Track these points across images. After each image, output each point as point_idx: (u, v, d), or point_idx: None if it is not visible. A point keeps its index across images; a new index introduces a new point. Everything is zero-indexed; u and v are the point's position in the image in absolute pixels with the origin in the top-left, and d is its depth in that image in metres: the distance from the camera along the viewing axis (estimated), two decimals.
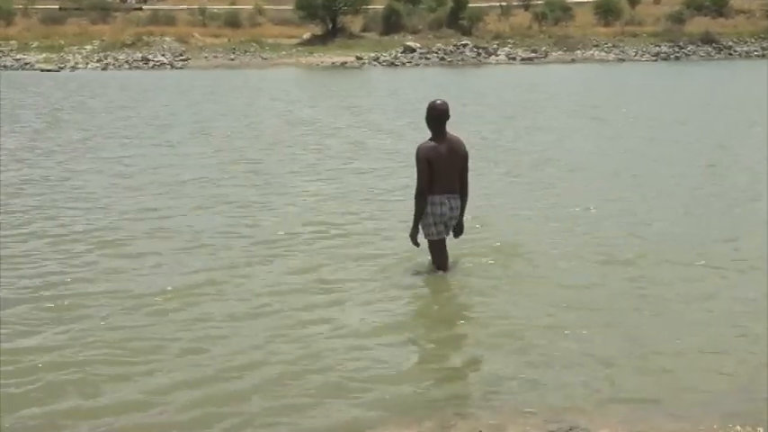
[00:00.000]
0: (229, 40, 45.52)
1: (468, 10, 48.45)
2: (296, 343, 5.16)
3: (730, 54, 45.05)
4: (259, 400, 4.44)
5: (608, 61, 42.58)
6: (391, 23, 48.08)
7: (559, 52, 44.63)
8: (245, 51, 43.88)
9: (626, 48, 45.25)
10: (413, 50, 43.48)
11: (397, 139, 13.99)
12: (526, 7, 51.71)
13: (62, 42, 44.43)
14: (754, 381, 4.62)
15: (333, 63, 41.14)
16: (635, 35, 47.33)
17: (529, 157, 12.37)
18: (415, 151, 6.29)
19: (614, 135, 14.86)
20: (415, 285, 6.32)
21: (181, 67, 40.01)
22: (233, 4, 52.90)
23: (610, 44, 45.87)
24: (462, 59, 42.82)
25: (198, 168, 11.53)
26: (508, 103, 20.93)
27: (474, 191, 9.26)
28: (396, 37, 46.75)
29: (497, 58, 43.53)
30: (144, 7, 53.35)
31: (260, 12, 51.52)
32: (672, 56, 44.17)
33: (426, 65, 41.31)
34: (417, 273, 6.50)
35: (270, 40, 46.00)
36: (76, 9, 50.79)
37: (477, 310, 5.84)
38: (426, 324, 5.67)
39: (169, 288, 6.16)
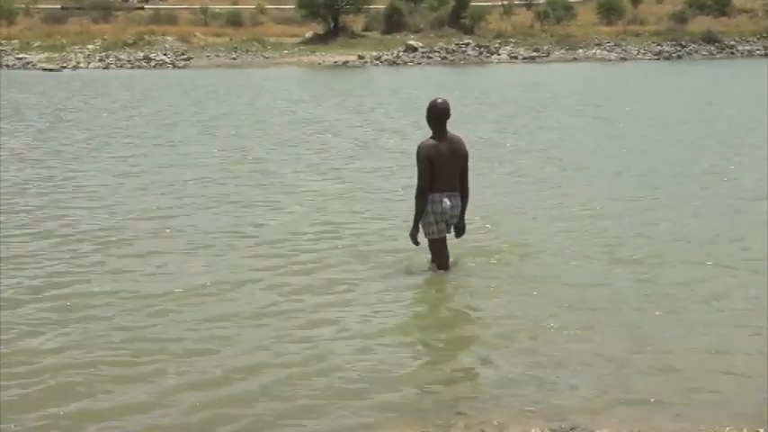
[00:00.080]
0: (231, 40, 45.54)
1: (470, 9, 48.46)
2: (301, 344, 5.15)
3: (732, 53, 45.00)
4: (265, 402, 4.42)
5: (610, 60, 42.55)
6: (393, 22, 48.08)
7: (561, 51, 44.60)
8: (247, 50, 43.89)
9: (628, 47, 45.21)
10: (415, 49, 43.48)
11: (401, 139, 13.99)
12: (528, 6, 51.69)
13: (64, 42, 44.46)
14: (761, 381, 4.60)
15: (335, 62, 41.14)
16: (637, 34, 47.30)
17: (533, 156, 12.36)
18: (415, 150, 6.30)
19: (618, 134, 14.84)
20: (418, 285, 6.33)
21: (183, 67, 40.03)
22: (235, 3, 52.92)
23: (612, 43, 45.83)
24: (464, 58, 42.80)
25: (202, 168, 11.53)
26: (511, 103, 20.92)
27: (478, 190, 9.27)
28: (398, 36, 46.76)
29: (499, 57, 43.51)
30: (146, 6, 53.38)
31: (262, 11, 51.53)
32: (674, 55, 44.12)
33: (428, 64, 41.31)
34: (419, 273, 6.50)
35: (272, 40, 46.01)
36: (78, 8, 50.84)
37: (479, 311, 5.83)
38: (428, 324, 5.66)
39: (174, 289, 6.15)
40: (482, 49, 44.03)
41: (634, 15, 50.05)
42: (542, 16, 48.76)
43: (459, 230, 6.59)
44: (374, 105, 20.74)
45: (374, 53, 42.82)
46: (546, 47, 44.95)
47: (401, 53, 43.09)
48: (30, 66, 39.24)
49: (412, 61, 41.86)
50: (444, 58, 42.77)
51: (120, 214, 8.65)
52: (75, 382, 4.64)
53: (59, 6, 51.24)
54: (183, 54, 42.33)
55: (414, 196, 6.32)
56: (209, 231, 7.88)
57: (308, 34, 47.28)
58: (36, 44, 44.09)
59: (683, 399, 4.45)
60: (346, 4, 47.40)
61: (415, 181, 6.34)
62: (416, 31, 47.58)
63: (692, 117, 17.52)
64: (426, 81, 28.95)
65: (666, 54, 44.21)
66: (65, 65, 39.27)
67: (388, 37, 46.96)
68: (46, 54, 41.89)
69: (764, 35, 47.13)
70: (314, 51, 43.89)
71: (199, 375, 4.72)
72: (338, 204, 9.09)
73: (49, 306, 5.82)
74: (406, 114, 17.78)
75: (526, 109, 19.31)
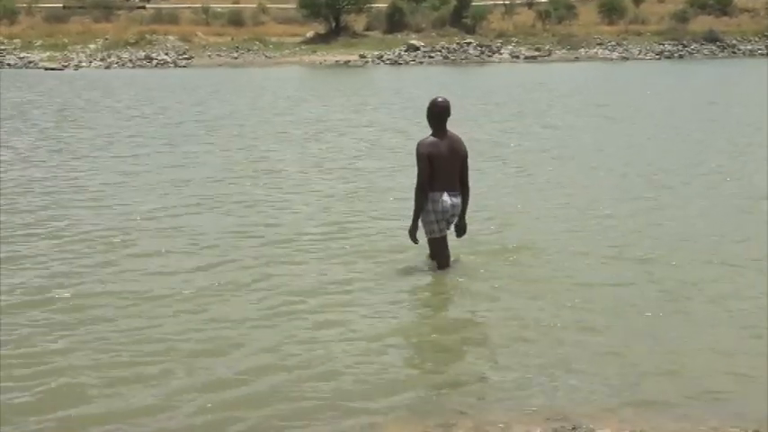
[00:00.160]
0: (232, 39, 45.54)
1: (472, 8, 48.46)
2: (306, 345, 5.14)
3: (734, 52, 44.97)
4: (271, 404, 4.40)
5: (612, 60, 42.53)
6: (395, 22, 48.08)
7: (563, 51, 44.58)
8: (249, 50, 43.89)
9: (630, 46, 45.18)
10: (416, 49, 43.46)
11: (404, 138, 13.95)
12: (530, 5, 51.64)
13: (66, 41, 44.46)
14: (763, 381, 4.60)
15: (336, 61, 41.13)
16: (639, 34, 47.27)
17: (537, 156, 12.35)
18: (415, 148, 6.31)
19: (622, 134, 14.83)
20: (423, 286, 6.32)
21: (184, 66, 40.03)
22: (236, 2, 52.90)
23: (614, 43, 45.80)
24: (466, 58, 42.79)
25: (205, 167, 11.53)
26: (514, 102, 20.91)
27: (482, 190, 9.29)
28: (399, 35, 46.76)
29: (501, 56, 43.49)
30: (147, 6, 53.35)
31: (263, 10, 51.50)
32: (676, 54, 44.10)
33: (430, 63, 41.30)
34: (424, 273, 6.50)
35: (273, 39, 46.00)
36: (80, 8, 50.83)
37: (482, 311, 5.82)
38: (432, 325, 5.65)
39: (179, 290, 6.14)
40: (484, 49, 44.01)
41: (636, 15, 50.02)
42: (544, 16, 48.75)
43: (460, 230, 6.59)
44: (376, 105, 20.73)
45: (376, 53, 42.81)
46: (547, 46, 44.92)
47: (403, 53, 43.07)
48: (32, 65, 39.24)
49: (413, 61, 41.85)
50: (446, 57, 42.75)
51: (125, 214, 8.63)
52: (80, 384, 4.62)
53: (61, 5, 51.23)
54: (184, 53, 42.33)
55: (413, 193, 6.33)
56: (213, 231, 7.86)
57: (310, 34, 47.27)
58: (38, 43, 44.09)
59: (686, 399, 4.46)
60: (348, 4, 47.36)
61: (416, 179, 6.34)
62: (418, 30, 47.58)
63: (695, 116, 17.52)
64: (428, 80, 28.94)
65: (668, 53, 44.19)
66: (66, 64, 39.27)
67: (389, 36, 46.95)
68: (48, 53, 41.89)
69: (766, 34, 47.07)
70: (315, 51, 43.87)
71: (205, 377, 4.71)
72: (343, 204, 9.08)
73: (54, 307, 5.81)
74: (408, 114, 17.76)
75: (529, 108, 19.30)
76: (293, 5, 49.51)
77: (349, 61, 41.24)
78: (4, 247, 7.34)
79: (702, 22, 47.95)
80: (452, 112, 6.44)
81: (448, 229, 6.46)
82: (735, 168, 11.15)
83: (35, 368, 4.82)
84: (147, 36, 44.90)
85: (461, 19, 47.93)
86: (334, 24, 47.78)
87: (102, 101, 22.22)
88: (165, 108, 20.06)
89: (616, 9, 49.40)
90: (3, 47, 42.64)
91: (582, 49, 44.71)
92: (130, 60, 40.95)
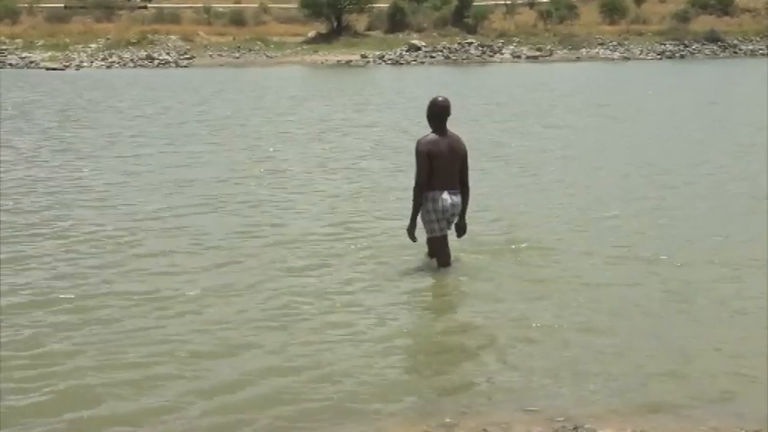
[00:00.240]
0: (234, 39, 45.50)
1: (474, 8, 48.42)
2: (311, 346, 5.14)
3: (735, 52, 44.93)
4: (276, 406, 4.40)
5: (613, 60, 42.49)
6: (396, 22, 48.05)
7: (564, 51, 44.56)
8: (250, 50, 43.85)
9: (631, 46, 45.15)
10: (418, 49, 43.44)
11: (408, 138, 13.90)
12: (531, 5, 51.58)
13: (67, 41, 44.42)
14: (764, 382, 4.61)
15: (338, 61, 41.12)
16: (640, 34, 47.24)
17: (540, 155, 12.35)
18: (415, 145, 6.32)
19: (625, 134, 14.83)
20: (425, 286, 6.32)
21: (185, 66, 40.00)
22: (238, 2, 52.88)
23: (615, 42, 45.77)
24: (467, 58, 42.77)
25: (209, 167, 11.53)
26: (516, 102, 20.92)
27: (485, 189, 9.30)
28: (400, 35, 46.73)
29: (502, 56, 43.46)
30: (149, 6, 53.35)
31: (265, 10, 51.48)
32: (677, 54, 44.07)
33: (431, 63, 41.28)
34: (426, 273, 6.51)
35: (275, 39, 45.97)
36: (81, 7, 50.80)
37: (485, 311, 5.81)
38: (434, 325, 5.66)
39: (183, 291, 6.14)
40: (485, 49, 43.98)
41: (637, 15, 49.99)
42: (545, 15, 48.73)
43: (460, 230, 6.60)
44: (378, 105, 20.74)
45: (377, 52, 42.79)
46: (549, 46, 44.90)
47: (404, 52, 43.05)
48: (33, 65, 39.21)
49: (415, 60, 41.83)
50: (447, 57, 42.72)
51: (129, 214, 8.63)
52: (86, 386, 4.61)
53: (63, 5, 51.23)
54: (185, 53, 42.30)
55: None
56: (218, 232, 7.87)
57: (311, 33, 47.25)
58: (39, 43, 44.07)
59: (688, 399, 4.46)
60: (349, 4, 47.32)
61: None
62: (419, 30, 47.55)
63: (698, 116, 17.52)
64: (430, 80, 28.93)
65: (669, 53, 44.15)
66: (68, 64, 39.24)
67: (390, 36, 46.93)
68: (49, 53, 41.87)
69: (767, 34, 47.04)
70: (317, 51, 43.85)
71: (210, 379, 4.70)
72: (347, 204, 9.08)
73: (59, 309, 5.80)
74: (410, 114, 17.75)
75: (531, 108, 19.30)
76: (295, 5, 49.48)
77: (350, 61, 41.23)
78: (9, 247, 7.34)
79: (704, 22, 47.92)
80: (454, 112, 6.46)
81: (449, 228, 6.47)
82: (739, 168, 11.14)
83: (41, 369, 4.82)
84: (149, 36, 44.87)
85: (463, 19, 47.90)
86: (335, 24, 47.76)
87: (104, 101, 22.22)
88: (167, 108, 20.05)
89: (617, 9, 49.37)
90: (4, 47, 42.61)
91: (583, 49, 44.69)
92: (132, 60, 40.93)
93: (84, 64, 39.87)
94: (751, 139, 13.70)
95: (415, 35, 46.55)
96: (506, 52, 43.99)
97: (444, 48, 43.78)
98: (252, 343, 5.20)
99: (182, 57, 41.64)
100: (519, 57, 43.28)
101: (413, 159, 6.33)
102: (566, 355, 4.99)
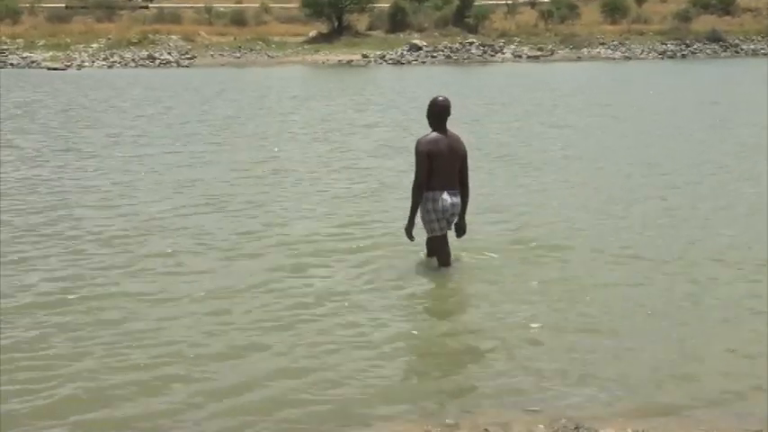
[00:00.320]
0: (235, 39, 45.52)
1: (475, 8, 48.43)
2: (312, 349, 5.15)
3: (737, 52, 44.94)
4: (282, 409, 4.40)
5: (614, 59, 42.49)
6: (397, 21, 48.07)
7: (566, 50, 44.56)
8: (251, 49, 43.87)
9: (632, 46, 45.15)
10: (419, 48, 43.45)
11: (410, 138, 13.89)
12: (532, 5, 51.59)
13: (68, 41, 44.45)
14: (765, 382, 4.62)
15: (339, 61, 41.12)
16: (641, 33, 47.24)
17: (544, 155, 12.35)
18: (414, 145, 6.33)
19: (628, 133, 14.82)
20: (427, 287, 6.33)
21: (187, 66, 40.02)
22: (239, 2, 52.91)
23: (616, 42, 45.78)
24: (468, 57, 42.76)
25: (212, 167, 11.53)
26: (517, 102, 20.91)
27: (488, 190, 9.30)
28: (402, 35, 46.74)
29: (503, 56, 43.47)
30: (150, 5, 53.38)
31: (266, 10, 51.51)
32: (678, 54, 44.07)
33: (432, 63, 41.29)
34: (429, 274, 6.51)
35: (276, 38, 45.99)
36: (83, 7, 50.85)
37: (488, 311, 5.82)
38: (437, 325, 5.66)
39: (188, 292, 6.14)
40: (486, 49, 43.98)
41: (638, 14, 49.98)
42: (546, 15, 48.73)
43: (460, 230, 6.61)
44: (380, 104, 20.74)
45: (378, 52, 42.80)
46: (550, 46, 44.90)
47: (405, 52, 43.06)
48: (34, 65, 39.24)
49: (416, 60, 41.83)
50: (448, 57, 42.73)
51: (132, 215, 8.63)
52: (91, 389, 4.61)
53: (64, 5, 51.25)
54: (187, 53, 42.33)
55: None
56: (222, 232, 7.87)
57: (312, 33, 47.27)
58: (41, 43, 44.09)
59: (689, 399, 4.47)
60: (350, 3, 47.35)
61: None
62: (420, 30, 47.56)
63: (700, 116, 17.51)
64: (431, 80, 28.94)
65: (671, 53, 44.16)
66: (69, 64, 39.26)
67: (392, 36, 46.94)
68: (50, 53, 41.90)
69: None
70: (318, 50, 43.86)
71: (217, 381, 4.71)
72: (350, 204, 9.08)
73: (62, 310, 5.80)
74: (412, 113, 17.76)
75: (533, 108, 19.29)
76: (296, 5, 49.51)
77: (351, 61, 41.23)
78: (13, 247, 7.35)
79: (705, 22, 47.92)
80: (455, 111, 6.46)
81: (448, 228, 6.48)
82: (744, 168, 11.13)
83: (47, 371, 4.82)
84: (150, 36, 44.89)
85: (464, 18, 47.91)
86: (336, 24, 47.78)
87: (106, 101, 22.22)
88: (169, 108, 20.07)
89: (619, 9, 49.36)
90: (6, 47, 42.64)
91: (584, 49, 44.68)
92: (133, 60, 40.95)
93: (86, 64, 39.89)
94: (756, 139, 13.66)
95: (416, 35, 46.55)
96: (507, 52, 43.99)
97: (445, 47, 43.79)
98: (257, 344, 5.20)
99: (183, 57, 41.66)
100: (520, 56, 43.28)
101: (414, 159, 6.33)
102: (567, 356, 4.99)
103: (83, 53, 42.18)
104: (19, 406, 4.42)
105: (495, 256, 6.93)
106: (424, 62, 41.50)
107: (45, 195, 9.67)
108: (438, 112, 6.33)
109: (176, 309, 5.82)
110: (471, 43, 44.42)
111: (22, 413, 4.35)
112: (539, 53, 43.74)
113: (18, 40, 44.32)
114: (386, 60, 41.56)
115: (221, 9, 50.75)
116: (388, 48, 44.00)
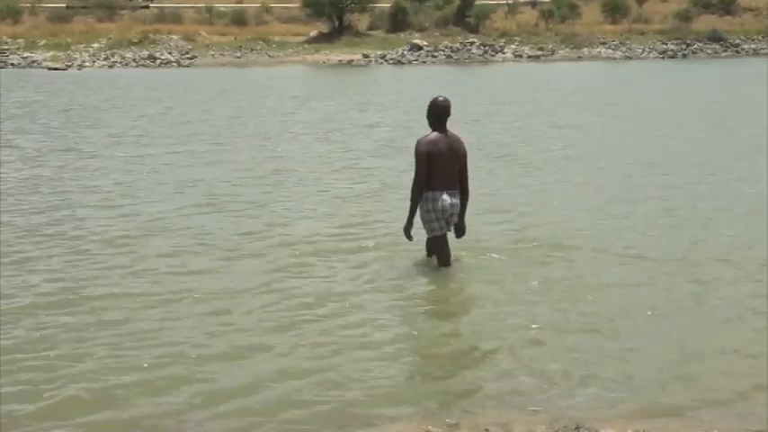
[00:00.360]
0: (236, 38, 45.46)
1: (475, 8, 48.34)
2: (314, 350, 5.15)
3: (737, 52, 44.89)
4: (285, 410, 4.41)
5: (615, 59, 42.45)
6: (398, 21, 48.01)
7: (566, 50, 44.51)
8: (252, 49, 43.81)
9: (633, 45, 45.08)
10: (419, 48, 43.41)
11: (411, 138, 13.86)
12: (533, 5, 51.55)
13: (69, 40, 44.39)
14: (765, 382, 4.63)
15: (339, 61, 41.10)
16: (642, 33, 47.17)
17: (545, 155, 12.36)
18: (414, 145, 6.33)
19: (629, 133, 14.83)
20: (429, 287, 6.34)
21: (188, 66, 40.00)
22: (239, 2, 52.82)
23: (617, 42, 45.72)
24: (469, 57, 42.73)
25: (214, 167, 11.53)
26: (518, 102, 20.91)
27: (490, 190, 9.31)
28: (402, 35, 46.67)
29: (504, 55, 43.43)
30: (150, 5, 53.33)
31: (266, 10, 51.43)
32: (679, 54, 44.02)
33: (433, 63, 41.25)
34: (430, 274, 6.52)
35: (276, 38, 45.92)
36: (83, 7, 50.77)
37: (489, 311, 5.83)
38: (439, 325, 5.67)
39: (189, 293, 6.14)
40: (487, 48, 43.93)
41: (639, 14, 49.90)
42: (547, 15, 48.66)
43: (459, 231, 6.62)
44: (381, 104, 20.75)
45: (379, 52, 42.75)
46: (551, 46, 44.86)
47: (406, 52, 43.01)
48: (35, 64, 39.21)
49: (417, 60, 41.80)
50: (449, 56, 42.70)
51: (133, 215, 8.64)
52: (92, 390, 4.61)
53: (64, 5, 51.22)
54: (187, 53, 42.29)
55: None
56: (224, 232, 7.87)
57: (313, 33, 47.22)
58: (41, 43, 44.06)
59: (690, 400, 4.48)
60: (351, 3, 47.27)
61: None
62: (421, 29, 47.51)
63: (701, 116, 17.51)
64: (431, 80, 28.92)
65: (671, 53, 44.11)
66: (70, 64, 39.23)
67: (392, 36, 46.89)
68: (51, 53, 41.86)
69: None
70: (318, 50, 43.82)
71: (218, 382, 4.71)
72: (352, 204, 9.10)
73: (64, 311, 5.80)
74: (413, 113, 17.74)
75: (534, 108, 19.29)
76: (296, 5, 49.45)
77: (352, 60, 41.20)
78: (15, 248, 7.35)
79: (706, 22, 47.87)
80: (456, 111, 6.47)
81: (448, 229, 6.49)
82: (745, 168, 11.12)
83: (50, 372, 4.82)
84: (151, 35, 44.84)
85: (464, 18, 47.86)
86: (337, 24, 47.72)
87: (107, 100, 22.22)
88: (170, 108, 20.06)
89: (619, 8, 49.27)
90: (6, 47, 42.59)
91: (585, 49, 44.64)
92: (134, 60, 40.92)
93: (87, 64, 39.86)
94: (756, 139, 13.64)
95: (416, 35, 46.49)
96: (508, 52, 43.95)
97: (446, 47, 43.74)
98: (260, 345, 5.21)
99: (184, 56, 41.63)
100: (521, 56, 43.25)
101: (413, 159, 6.34)
102: (569, 357, 5.00)
103: (83, 53, 42.15)
104: (21, 407, 4.42)
105: (495, 256, 6.94)
106: (424, 62, 41.47)
107: (47, 195, 9.68)
108: (438, 113, 6.33)
109: (178, 309, 5.83)
110: (472, 43, 44.38)
111: (25, 414, 4.35)
112: (539, 53, 43.70)
113: (19, 40, 44.29)
114: (386, 60, 41.52)
115: (222, 9, 50.69)
116: (389, 47, 43.96)
